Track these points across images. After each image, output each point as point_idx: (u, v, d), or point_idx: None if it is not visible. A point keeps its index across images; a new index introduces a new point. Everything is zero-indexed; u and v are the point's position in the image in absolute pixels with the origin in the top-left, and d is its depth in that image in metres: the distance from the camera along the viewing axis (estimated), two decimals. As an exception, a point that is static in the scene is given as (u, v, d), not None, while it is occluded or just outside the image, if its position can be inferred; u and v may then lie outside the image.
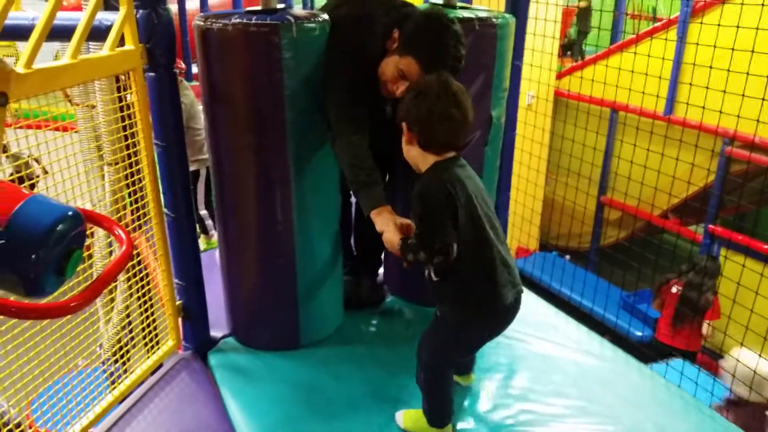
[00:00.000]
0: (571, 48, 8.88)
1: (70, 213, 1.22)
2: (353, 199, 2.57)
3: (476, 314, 1.75)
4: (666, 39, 4.54)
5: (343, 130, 2.04)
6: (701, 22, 4.25)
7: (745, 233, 4.71)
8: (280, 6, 2.05)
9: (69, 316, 1.47)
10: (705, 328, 4.59)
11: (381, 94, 2.08)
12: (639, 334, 5.18)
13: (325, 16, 2.04)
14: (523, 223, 4.41)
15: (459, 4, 2.38)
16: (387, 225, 1.81)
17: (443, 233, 1.63)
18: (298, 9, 2.36)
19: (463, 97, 1.67)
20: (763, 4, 2.42)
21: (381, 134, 2.29)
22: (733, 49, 2.66)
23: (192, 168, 3.59)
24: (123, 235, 1.34)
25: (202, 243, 3.68)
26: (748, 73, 2.71)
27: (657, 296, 4.86)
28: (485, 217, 1.68)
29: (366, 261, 2.70)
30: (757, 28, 2.57)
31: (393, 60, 1.96)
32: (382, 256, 2.76)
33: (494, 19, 2.27)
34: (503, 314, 1.76)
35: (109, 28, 1.80)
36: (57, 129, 1.72)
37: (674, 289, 4.70)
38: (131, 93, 1.89)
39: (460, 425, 1.99)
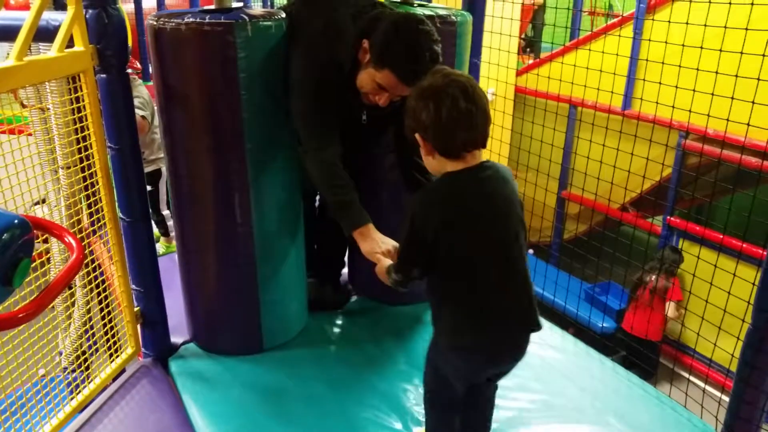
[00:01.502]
0: (531, 45, 8.98)
1: (16, 221, 1.18)
2: (317, 198, 2.55)
3: (462, 344, 1.56)
4: (620, 36, 4.62)
5: (314, 146, 1.98)
6: (653, 19, 4.34)
7: (704, 224, 4.85)
8: (237, 5, 2.02)
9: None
10: (671, 309, 4.76)
11: (354, 102, 2.03)
12: (601, 325, 5.28)
13: (282, 15, 2.02)
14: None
15: (417, 2, 2.38)
16: (373, 252, 1.79)
17: (411, 252, 1.55)
18: (256, 7, 2.34)
19: (472, 87, 1.48)
20: (710, 1, 2.49)
21: (356, 141, 2.22)
22: (683, 45, 2.73)
23: (152, 168, 3.50)
24: (74, 243, 1.31)
25: (161, 246, 3.60)
26: (698, 69, 2.79)
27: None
28: (491, 242, 1.50)
29: (329, 262, 2.69)
30: (705, 25, 2.65)
31: (369, 73, 1.91)
32: (346, 256, 2.75)
33: (453, 17, 2.28)
34: (497, 351, 1.58)
35: (57, 28, 1.75)
36: (3, 132, 1.66)
37: (635, 276, 4.90)
38: (82, 95, 1.84)
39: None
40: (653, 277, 4.82)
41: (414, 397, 2.09)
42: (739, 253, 3.18)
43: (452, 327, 1.56)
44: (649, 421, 2.10)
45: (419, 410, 2.02)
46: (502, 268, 1.52)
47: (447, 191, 1.52)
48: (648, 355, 4.55)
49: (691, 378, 4.73)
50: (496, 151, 4.12)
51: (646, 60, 3.25)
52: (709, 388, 2.99)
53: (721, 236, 4.21)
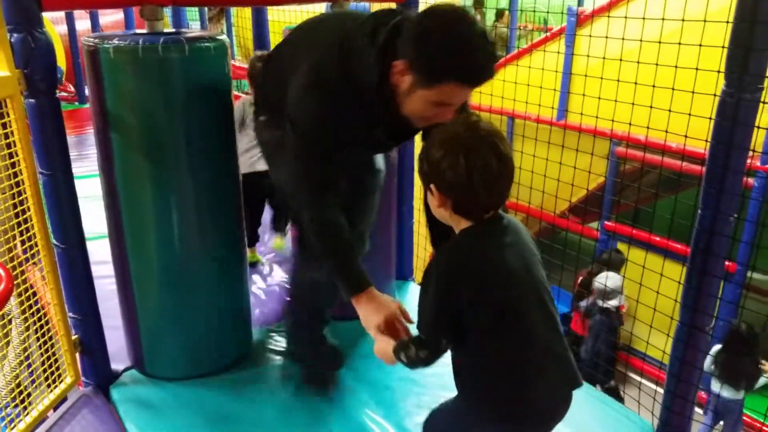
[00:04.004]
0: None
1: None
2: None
3: (512, 414, 1.41)
4: (544, 51, 4.80)
5: (314, 204, 1.70)
6: (575, 34, 4.56)
7: (643, 228, 5.05)
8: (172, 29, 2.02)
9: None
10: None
11: (379, 132, 1.73)
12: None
13: (211, 40, 2.01)
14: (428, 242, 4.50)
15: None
16: (367, 328, 1.60)
17: (440, 324, 1.38)
18: (194, 30, 2.34)
19: (501, 142, 1.32)
20: (626, 17, 2.65)
21: (368, 157, 2.06)
22: (604, 58, 2.88)
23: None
24: (2, 273, 1.28)
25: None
26: (618, 80, 2.94)
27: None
28: (526, 298, 1.37)
29: None
30: (623, 39, 2.81)
31: (420, 96, 1.53)
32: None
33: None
34: (537, 417, 1.43)
35: (-20, 54, 1.71)
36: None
37: (580, 279, 5.04)
38: (10, 120, 1.80)
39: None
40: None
41: (363, 411, 2.11)
42: (666, 251, 3.33)
43: (499, 397, 1.40)
44: (590, 419, 2.16)
45: (371, 424, 2.04)
46: (545, 322, 1.39)
47: (473, 253, 1.36)
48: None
49: (631, 374, 4.90)
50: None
51: (570, 74, 3.40)
52: (646, 382, 3.11)
53: (658, 238, 4.41)
